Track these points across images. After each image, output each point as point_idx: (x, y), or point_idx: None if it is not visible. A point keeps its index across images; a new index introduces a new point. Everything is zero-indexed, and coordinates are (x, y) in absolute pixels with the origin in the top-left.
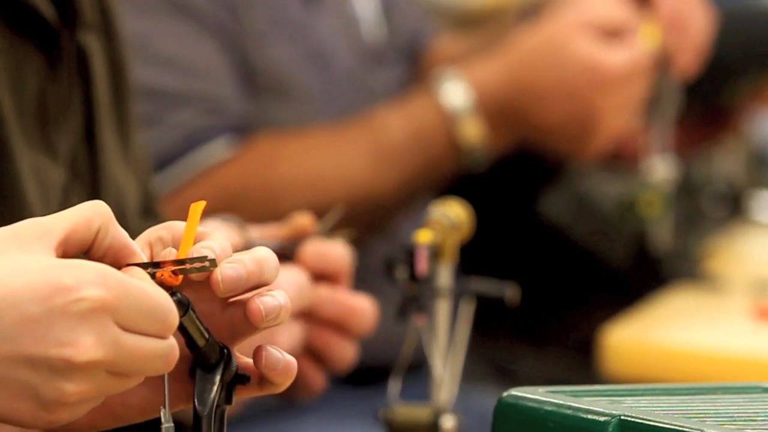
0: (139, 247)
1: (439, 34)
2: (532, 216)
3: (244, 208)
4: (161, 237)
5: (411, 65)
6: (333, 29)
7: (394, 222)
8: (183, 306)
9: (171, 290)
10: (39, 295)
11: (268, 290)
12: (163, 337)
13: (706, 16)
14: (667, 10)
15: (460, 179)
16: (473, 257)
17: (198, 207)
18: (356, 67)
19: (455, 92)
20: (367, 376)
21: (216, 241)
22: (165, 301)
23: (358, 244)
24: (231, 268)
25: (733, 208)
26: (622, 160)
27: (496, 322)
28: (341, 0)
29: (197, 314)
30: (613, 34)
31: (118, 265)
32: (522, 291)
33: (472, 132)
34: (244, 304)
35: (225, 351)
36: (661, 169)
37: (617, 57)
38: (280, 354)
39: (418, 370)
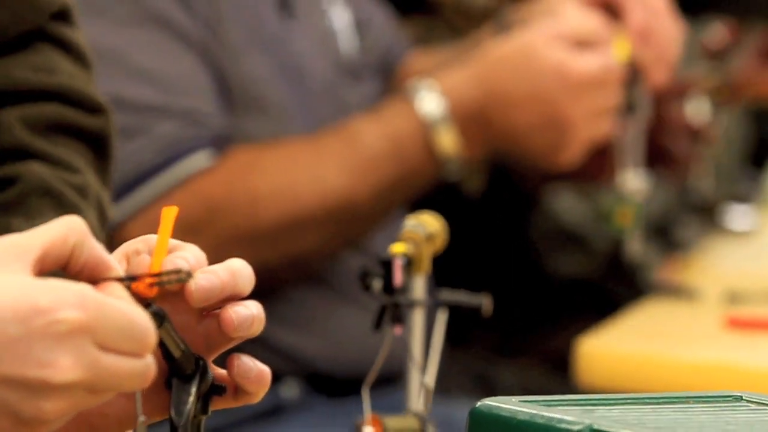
0: (117, 260)
1: (412, 50)
2: (510, 232)
3: (225, 217)
4: (138, 250)
5: (385, 80)
6: (310, 43)
7: (371, 232)
8: (159, 318)
9: (146, 302)
10: (18, 316)
11: (242, 300)
12: (140, 356)
13: (675, 28)
14: (637, 23)
15: (439, 195)
16: (450, 270)
17: (170, 213)
18: (333, 80)
19: (428, 101)
20: (345, 386)
21: (190, 252)
22: (143, 320)
23: (335, 256)
24: (205, 278)
25: (706, 218)
26: (590, 180)
27: (476, 335)
28: (318, 13)
29: (173, 326)
30: (584, 45)
31: (95, 280)
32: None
33: (447, 141)
34: (218, 314)
35: (201, 362)
36: (633, 181)
37: (587, 63)
38: (252, 363)
39: (395, 380)
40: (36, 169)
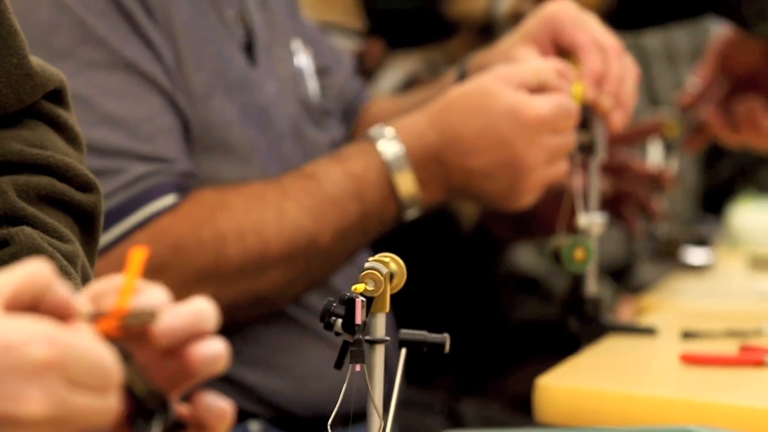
0: (86, 300)
1: (374, 95)
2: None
3: (191, 256)
4: (105, 291)
5: (348, 125)
6: (276, 86)
7: (334, 272)
8: (124, 356)
9: (112, 341)
10: None
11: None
12: (106, 393)
13: (632, 73)
14: (593, 68)
15: (436, 227)
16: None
17: (138, 254)
18: (298, 122)
19: (387, 146)
20: (309, 425)
21: (155, 292)
22: (109, 358)
23: (299, 296)
24: (170, 319)
25: (664, 259)
26: (540, 233)
27: (440, 375)
28: (285, 57)
29: (137, 364)
30: (539, 88)
31: (63, 319)
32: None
33: (405, 184)
34: (182, 353)
35: (164, 399)
36: (589, 221)
37: (542, 105)
38: (214, 399)
39: (360, 418)
40: (28, 233)
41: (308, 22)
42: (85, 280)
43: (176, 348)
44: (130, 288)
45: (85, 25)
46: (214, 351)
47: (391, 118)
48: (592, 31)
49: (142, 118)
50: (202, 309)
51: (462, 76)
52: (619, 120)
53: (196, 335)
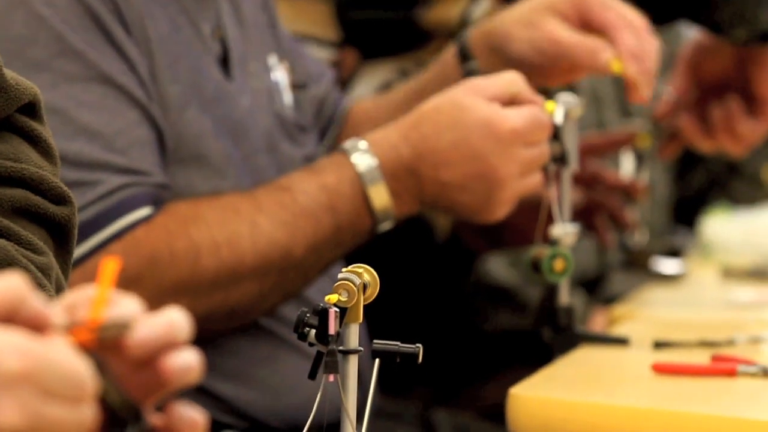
0: (61, 310)
1: (355, 101)
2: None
3: (166, 268)
4: (79, 302)
5: (332, 135)
6: (253, 99)
7: (309, 284)
8: (98, 367)
9: (87, 352)
10: None
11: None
12: (80, 404)
13: (656, 46)
14: (629, 45)
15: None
16: (387, 321)
17: (111, 265)
18: (274, 137)
19: (360, 160)
20: None
21: (128, 303)
22: (83, 368)
23: (273, 307)
24: (143, 329)
25: (637, 270)
26: (512, 244)
27: (414, 385)
28: (262, 70)
29: (112, 374)
30: (510, 102)
31: (39, 331)
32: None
33: (379, 197)
34: (156, 363)
35: (137, 410)
36: (563, 231)
37: (514, 114)
38: (187, 409)
39: (334, 429)
40: (2, 245)
41: (288, 36)
42: (60, 292)
43: (150, 358)
44: (104, 299)
45: (62, 38)
46: (187, 362)
47: (376, 120)
48: (621, 10)
49: (117, 131)
50: (176, 320)
51: (462, 50)
52: (649, 91)
53: (169, 346)
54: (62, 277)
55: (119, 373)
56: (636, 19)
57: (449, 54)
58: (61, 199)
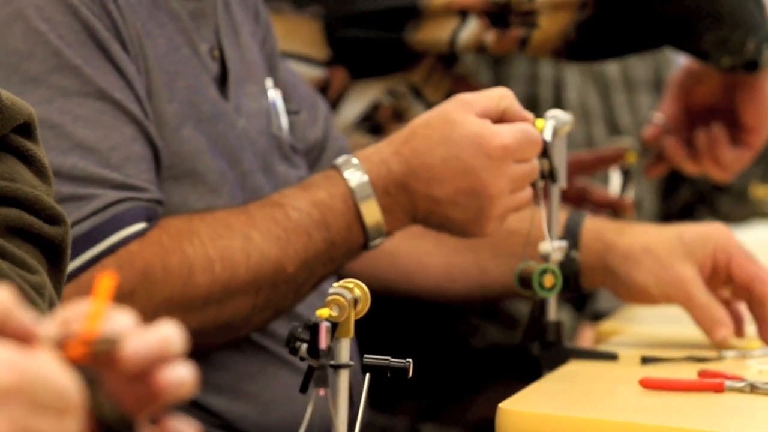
0: (54, 324)
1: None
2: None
3: (160, 284)
4: (76, 316)
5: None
6: (249, 120)
7: (301, 300)
8: (90, 381)
9: (77, 365)
10: None
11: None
12: (66, 417)
13: None
14: None
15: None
16: (377, 335)
17: (107, 279)
18: (269, 158)
19: (352, 176)
20: None
21: (123, 317)
22: (69, 383)
23: (266, 323)
24: (138, 343)
25: None
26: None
27: (403, 400)
28: (259, 92)
29: (104, 388)
30: (501, 118)
31: (26, 345)
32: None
33: (370, 212)
34: (149, 377)
35: (131, 423)
36: (552, 247)
37: (505, 130)
38: (181, 423)
39: None
40: None
41: (287, 69)
42: (52, 311)
43: (144, 372)
44: (98, 313)
45: (59, 53)
46: (181, 375)
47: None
48: (759, 263)
49: (113, 146)
50: (170, 334)
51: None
52: None
53: (163, 360)
54: (55, 297)
55: (113, 387)
56: (762, 269)
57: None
58: (55, 219)
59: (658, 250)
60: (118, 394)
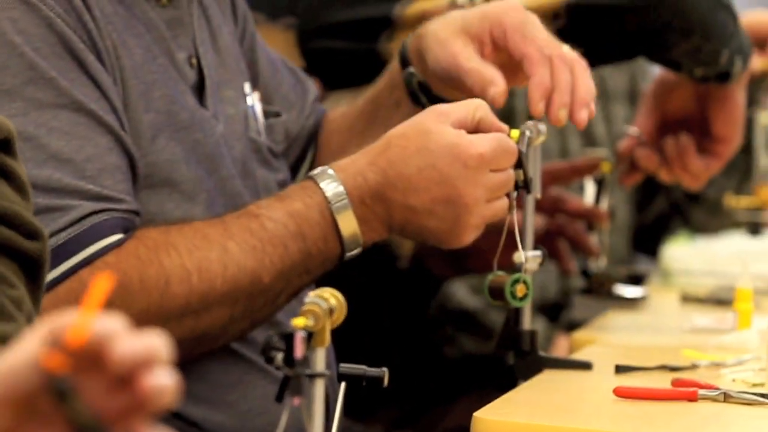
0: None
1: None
2: (412, 311)
3: (137, 295)
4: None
5: (312, 152)
6: (227, 126)
7: (277, 311)
8: (66, 391)
9: (53, 375)
10: None
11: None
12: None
13: (579, 72)
14: (540, 81)
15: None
16: (352, 344)
17: (104, 281)
18: (249, 163)
19: (328, 186)
20: None
21: (112, 320)
22: None
23: (243, 333)
24: (126, 344)
25: (600, 296)
26: (475, 269)
27: (378, 410)
28: (237, 97)
29: (80, 398)
30: (476, 129)
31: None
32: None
33: (347, 223)
34: (132, 384)
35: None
36: (527, 257)
37: (480, 140)
38: (158, 430)
39: None
40: None
41: (269, 65)
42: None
43: (127, 378)
44: (88, 317)
45: (34, 65)
46: (165, 382)
47: (339, 131)
48: (537, 39)
49: (89, 157)
50: (157, 342)
51: (402, 55)
52: (584, 119)
53: (148, 365)
54: (33, 312)
55: (93, 396)
56: (552, 48)
57: (396, 60)
58: (33, 235)
59: (438, 30)
60: (98, 404)
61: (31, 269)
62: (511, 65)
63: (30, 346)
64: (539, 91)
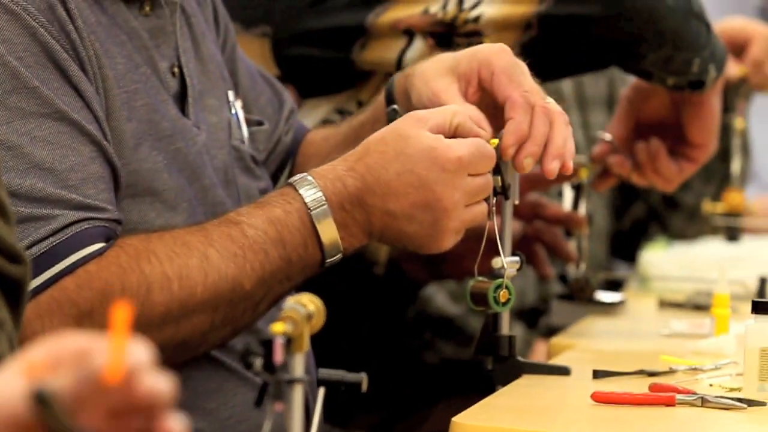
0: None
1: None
2: (391, 317)
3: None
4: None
5: (281, 170)
6: (209, 134)
7: (258, 317)
8: (45, 400)
9: (35, 384)
10: None
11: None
12: None
13: (558, 124)
14: (517, 127)
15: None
16: (331, 350)
17: (122, 312)
18: (231, 171)
19: (308, 193)
20: None
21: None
22: None
23: (224, 340)
24: (153, 381)
25: (578, 302)
26: (452, 275)
27: (357, 415)
28: (220, 105)
29: (61, 408)
30: (454, 134)
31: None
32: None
33: (326, 230)
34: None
35: None
36: (505, 263)
37: (458, 144)
38: None
39: None
40: None
41: (248, 75)
42: (12, 349)
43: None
44: (121, 345)
45: (17, 74)
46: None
47: (320, 153)
48: (523, 85)
49: (71, 167)
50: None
51: (388, 93)
52: (554, 170)
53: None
54: (14, 334)
55: (91, 421)
56: (540, 100)
57: (381, 95)
58: (16, 258)
59: (426, 69)
60: (97, 427)
61: (13, 292)
62: (494, 108)
63: (12, 378)
64: (514, 136)
